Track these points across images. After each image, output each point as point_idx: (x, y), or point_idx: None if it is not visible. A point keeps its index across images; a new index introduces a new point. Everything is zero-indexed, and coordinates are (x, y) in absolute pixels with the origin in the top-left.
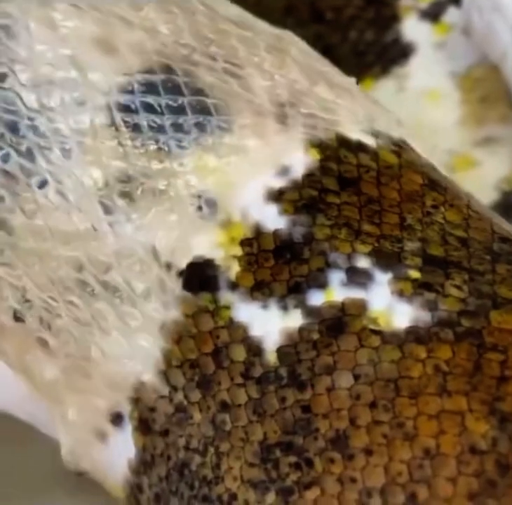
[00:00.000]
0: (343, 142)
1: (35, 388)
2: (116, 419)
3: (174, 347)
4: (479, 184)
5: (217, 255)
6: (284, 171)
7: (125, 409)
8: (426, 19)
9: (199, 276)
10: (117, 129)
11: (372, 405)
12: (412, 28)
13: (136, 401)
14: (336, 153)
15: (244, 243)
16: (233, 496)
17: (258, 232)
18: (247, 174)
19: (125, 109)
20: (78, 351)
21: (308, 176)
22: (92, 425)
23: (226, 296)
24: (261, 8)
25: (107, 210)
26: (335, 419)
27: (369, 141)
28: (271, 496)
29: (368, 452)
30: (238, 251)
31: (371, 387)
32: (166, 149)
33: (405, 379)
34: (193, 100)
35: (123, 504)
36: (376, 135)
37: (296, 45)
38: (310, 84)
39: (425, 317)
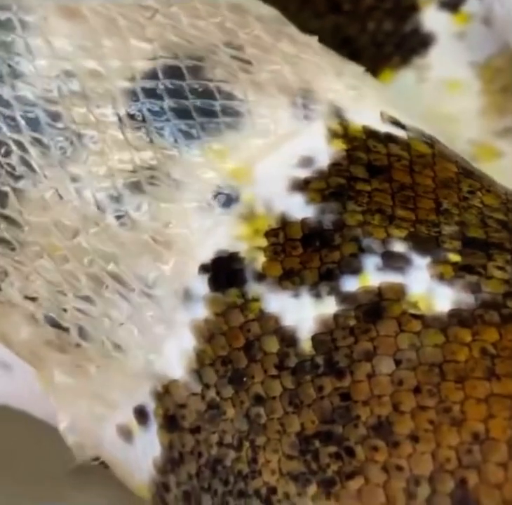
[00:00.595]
0: (371, 133)
1: (45, 388)
2: (141, 416)
3: (207, 346)
4: (501, 174)
5: (241, 248)
6: (307, 162)
7: (150, 405)
8: (445, 8)
9: (225, 272)
10: (121, 120)
11: (416, 390)
12: (432, 18)
13: (161, 397)
14: (364, 143)
15: (269, 233)
16: (272, 490)
17: (284, 222)
18: (268, 166)
19: (131, 97)
20: (92, 346)
21: (335, 165)
22: (115, 424)
23: (254, 288)
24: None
25: (115, 200)
26: (377, 406)
27: (400, 132)
28: (312, 488)
29: (414, 439)
30: (263, 242)
31: (414, 372)
32: (178, 139)
33: (451, 363)
34: (199, 86)
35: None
36: (404, 126)
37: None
38: (274, 40)
39: (468, 299)
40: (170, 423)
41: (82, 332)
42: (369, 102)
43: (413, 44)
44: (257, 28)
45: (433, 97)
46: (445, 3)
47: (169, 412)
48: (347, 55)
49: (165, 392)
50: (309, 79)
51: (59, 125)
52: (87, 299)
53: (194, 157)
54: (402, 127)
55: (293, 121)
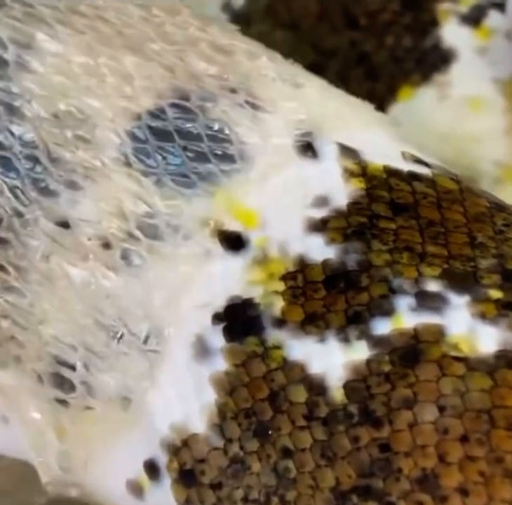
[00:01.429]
0: (393, 172)
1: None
2: (151, 470)
3: (228, 399)
4: None
5: (256, 293)
6: (322, 201)
7: (161, 459)
8: (466, 23)
9: (241, 320)
10: (130, 164)
11: (464, 439)
12: (452, 33)
13: (177, 451)
14: (385, 182)
15: (286, 277)
16: None
17: (302, 264)
18: (279, 209)
19: (138, 142)
20: (102, 403)
21: (354, 204)
22: (123, 478)
23: (273, 335)
24: (293, 14)
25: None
26: (420, 457)
27: (423, 170)
28: None
29: (463, 492)
30: (280, 286)
31: (460, 419)
32: (181, 184)
33: (500, 409)
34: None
35: None
36: (428, 164)
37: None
38: (203, 25)
39: None
40: (187, 478)
41: (91, 391)
42: (387, 141)
43: (433, 60)
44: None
45: (454, 116)
46: (466, 18)
47: (186, 466)
48: (364, 71)
49: (183, 446)
50: (318, 119)
51: (60, 167)
52: (97, 353)
53: (199, 202)
54: (426, 164)
55: (302, 162)
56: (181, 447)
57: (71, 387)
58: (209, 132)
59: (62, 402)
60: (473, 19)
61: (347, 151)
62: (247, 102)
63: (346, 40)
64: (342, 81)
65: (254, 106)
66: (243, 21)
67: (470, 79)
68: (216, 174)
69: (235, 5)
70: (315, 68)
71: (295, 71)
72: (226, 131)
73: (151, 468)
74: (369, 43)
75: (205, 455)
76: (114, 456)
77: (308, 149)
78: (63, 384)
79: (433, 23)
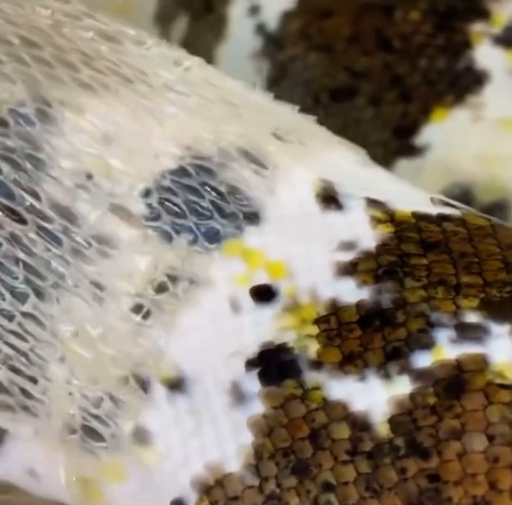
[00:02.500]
0: (422, 216)
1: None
2: None
3: (266, 440)
4: None
5: (289, 338)
6: (349, 245)
7: (190, 498)
8: (499, 45)
9: (276, 364)
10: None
11: None
12: (486, 55)
13: (209, 490)
14: (415, 225)
15: (319, 320)
16: None
17: (335, 308)
18: (305, 257)
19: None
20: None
21: (383, 246)
22: None
23: (311, 377)
24: (325, 37)
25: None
26: (471, 485)
27: (453, 211)
28: None
29: None
30: (314, 330)
31: (510, 447)
32: (202, 240)
33: None
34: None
35: None
36: (457, 206)
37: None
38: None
39: None
40: None
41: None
42: (413, 189)
43: (467, 82)
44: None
45: (488, 137)
46: (499, 39)
47: (217, 504)
48: (397, 93)
49: (216, 485)
50: (335, 174)
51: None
52: (124, 402)
53: (226, 257)
54: (455, 207)
55: (326, 214)
56: (214, 486)
57: (100, 437)
58: (227, 191)
59: (90, 452)
60: (506, 40)
61: (374, 203)
62: (258, 164)
63: (379, 62)
64: (375, 103)
65: (263, 166)
66: (276, 44)
67: (503, 100)
68: (240, 229)
69: (268, 28)
70: (348, 90)
71: (306, 128)
72: (244, 189)
73: None
74: (402, 66)
75: (239, 493)
76: (140, 500)
77: (332, 201)
78: (91, 434)
79: (466, 45)
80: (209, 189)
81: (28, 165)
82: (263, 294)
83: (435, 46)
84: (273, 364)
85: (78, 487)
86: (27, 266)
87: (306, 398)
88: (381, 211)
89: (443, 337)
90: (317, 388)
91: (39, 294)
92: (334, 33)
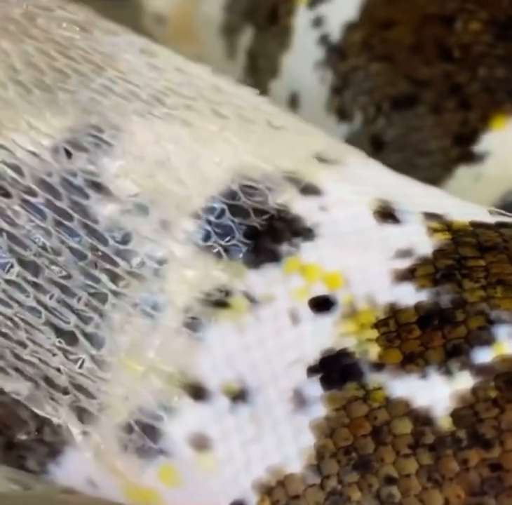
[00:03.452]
0: (479, 224)
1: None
2: None
3: (328, 441)
4: None
5: (349, 343)
6: (405, 253)
7: (251, 499)
8: None
9: (337, 369)
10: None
11: None
12: None
13: (271, 491)
14: (472, 232)
15: (378, 324)
16: None
17: (393, 311)
18: (362, 266)
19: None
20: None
21: (440, 251)
22: None
23: (373, 378)
24: (388, 47)
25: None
26: None
27: (510, 220)
28: None
29: None
30: (373, 334)
31: None
32: (272, 259)
33: None
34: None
35: None
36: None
37: None
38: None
39: None
40: None
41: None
42: (469, 203)
43: None
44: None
45: None
46: None
47: (278, 503)
48: (457, 102)
49: (277, 486)
50: (391, 193)
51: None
52: (173, 410)
53: (282, 274)
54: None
55: (381, 226)
56: (275, 486)
57: (156, 442)
58: (278, 212)
59: (146, 457)
60: None
61: (431, 216)
62: (307, 187)
63: (440, 71)
64: (435, 111)
65: (313, 189)
66: (339, 54)
67: None
68: (296, 247)
69: (331, 39)
70: (410, 99)
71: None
72: (295, 209)
73: None
74: (462, 75)
75: (301, 492)
76: (196, 504)
77: (389, 217)
78: (147, 439)
79: None
80: (260, 211)
81: (88, 188)
82: (321, 304)
83: (495, 56)
84: (334, 369)
85: (135, 494)
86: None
87: (369, 398)
88: (438, 222)
89: (503, 333)
90: (379, 388)
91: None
92: (396, 43)
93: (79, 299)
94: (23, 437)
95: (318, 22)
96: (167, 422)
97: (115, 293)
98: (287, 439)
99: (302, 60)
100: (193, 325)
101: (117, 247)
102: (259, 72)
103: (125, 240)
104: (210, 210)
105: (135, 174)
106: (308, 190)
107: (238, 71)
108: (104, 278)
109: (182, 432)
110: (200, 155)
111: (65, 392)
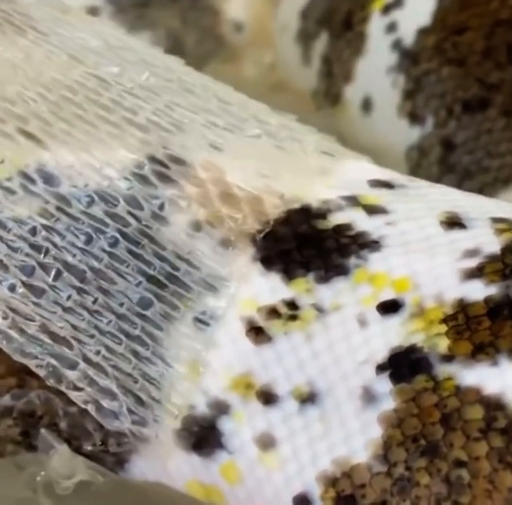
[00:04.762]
0: None
1: None
2: (303, 504)
3: (395, 431)
4: None
5: (417, 339)
6: (473, 253)
7: (314, 491)
8: None
9: (406, 364)
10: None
11: None
12: None
13: (336, 481)
14: None
15: (446, 319)
16: None
17: (462, 306)
18: (429, 269)
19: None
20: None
21: (508, 248)
22: None
23: (442, 369)
24: (459, 51)
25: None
26: None
27: None
28: None
29: None
30: (442, 328)
31: None
32: (341, 273)
33: None
34: None
35: None
36: None
37: None
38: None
39: None
40: (346, 502)
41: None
42: None
43: None
44: None
45: None
46: None
47: (344, 492)
48: None
49: (342, 476)
50: (457, 205)
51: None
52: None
53: (351, 285)
54: None
55: (447, 233)
56: (340, 477)
57: (219, 438)
58: (340, 231)
59: (207, 456)
60: None
61: (499, 220)
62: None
63: (511, 75)
64: (506, 114)
65: (376, 209)
66: (412, 59)
67: None
68: (364, 259)
69: (404, 44)
70: (481, 102)
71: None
72: (358, 226)
73: (303, 502)
74: None
75: (367, 481)
76: (256, 500)
77: (456, 225)
78: (209, 437)
79: None
80: (318, 232)
81: (152, 220)
82: (389, 307)
83: None
84: (403, 364)
85: (198, 491)
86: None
87: (438, 388)
88: (505, 224)
89: None
90: (449, 378)
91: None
92: (468, 47)
93: (147, 309)
94: (89, 448)
95: (391, 28)
96: (233, 423)
97: (177, 307)
98: (355, 432)
99: (375, 65)
100: (262, 336)
101: (183, 267)
102: (333, 77)
103: (190, 260)
104: (269, 235)
105: (196, 200)
106: (373, 210)
107: (313, 77)
108: (168, 294)
109: (248, 433)
110: (255, 181)
111: (126, 395)
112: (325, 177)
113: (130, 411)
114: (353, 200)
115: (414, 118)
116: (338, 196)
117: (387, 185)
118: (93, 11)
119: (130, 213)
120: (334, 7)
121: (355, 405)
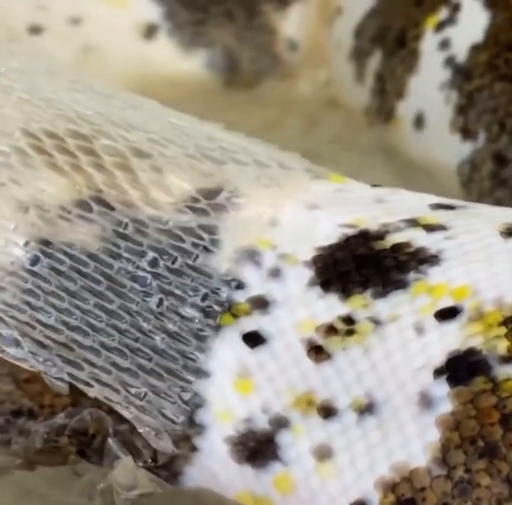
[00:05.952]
0: None
1: None
2: None
3: (453, 434)
4: None
5: (476, 342)
6: None
7: (373, 498)
8: None
9: (464, 367)
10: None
11: None
12: None
13: (395, 486)
14: None
15: (506, 322)
16: None
17: None
18: (488, 278)
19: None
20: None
21: None
22: None
23: (502, 370)
24: (510, 67)
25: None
26: None
27: None
28: None
29: None
30: (501, 331)
31: None
32: (399, 286)
33: None
34: None
35: None
36: None
37: None
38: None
39: None
40: None
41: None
42: None
43: None
44: None
45: None
46: None
47: (404, 496)
48: None
49: (402, 481)
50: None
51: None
52: (294, 425)
53: (409, 297)
54: None
55: (506, 241)
56: (399, 482)
57: (274, 451)
58: (397, 249)
59: (262, 467)
60: None
61: None
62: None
63: None
64: None
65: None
66: (464, 75)
67: None
68: (423, 273)
69: (457, 60)
70: None
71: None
72: (414, 243)
73: None
74: None
75: (427, 484)
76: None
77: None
78: (266, 449)
79: None
80: (376, 252)
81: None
82: (447, 314)
83: None
84: (461, 367)
85: (249, 502)
86: None
87: (497, 390)
88: None
89: None
90: (509, 379)
91: None
92: None
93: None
94: (141, 464)
95: (444, 45)
96: (290, 437)
97: (227, 325)
98: (413, 437)
99: (428, 81)
100: (321, 354)
101: (231, 293)
102: (386, 94)
103: (239, 286)
104: (328, 257)
105: (243, 230)
106: (432, 228)
107: (366, 94)
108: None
109: (306, 445)
110: (317, 216)
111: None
112: (383, 204)
113: (179, 426)
114: (413, 222)
115: (467, 133)
116: (398, 220)
117: (448, 207)
118: (151, 29)
119: (192, 243)
120: (387, 25)
121: (412, 410)
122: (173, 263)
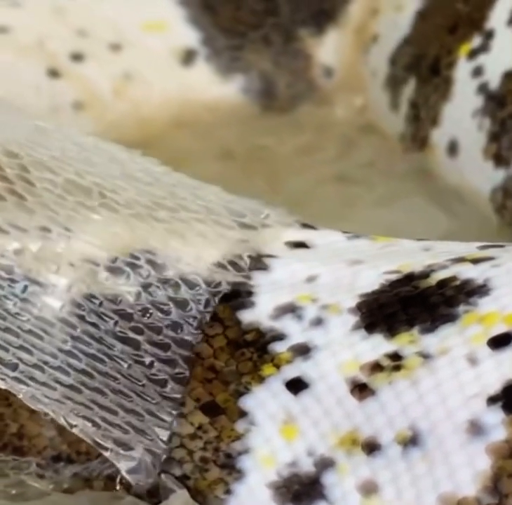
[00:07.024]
0: None
1: None
2: None
3: (506, 462)
4: None
5: None
6: None
7: None
8: None
9: None
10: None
11: None
12: None
13: None
14: None
15: None
16: None
17: None
18: None
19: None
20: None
21: None
22: None
23: None
24: None
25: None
26: None
27: None
28: None
29: None
30: None
31: None
32: (448, 320)
33: None
34: None
35: None
36: None
37: None
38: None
39: None
40: None
41: None
42: None
43: None
44: None
45: None
46: None
47: None
48: None
49: None
50: None
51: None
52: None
53: (459, 329)
54: None
55: None
56: None
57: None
58: (443, 285)
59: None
60: None
61: None
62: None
63: None
64: None
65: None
66: (498, 102)
67: None
68: (474, 304)
69: (490, 87)
70: None
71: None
72: (464, 276)
73: None
74: None
75: None
76: None
77: None
78: (311, 491)
79: None
80: (421, 290)
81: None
82: (501, 340)
83: None
84: None
85: None
86: None
87: None
88: None
89: None
90: None
91: None
92: None
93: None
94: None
95: (477, 72)
96: (336, 476)
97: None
98: (460, 466)
99: (462, 108)
100: (365, 392)
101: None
102: (420, 121)
103: (280, 337)
104: (372, 303)
105: (290, 286)
106: (479, 260)
107: (401, 121)
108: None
109: (351, 483)
110: (359, 269)
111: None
112: (429, 251)
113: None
114: (460, 259)
115: (499, 160)
116: (444, 260)
117: (497, 246)
118: (189, 54)
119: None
120: (421, 53)
121: (460, 438)
122: None
